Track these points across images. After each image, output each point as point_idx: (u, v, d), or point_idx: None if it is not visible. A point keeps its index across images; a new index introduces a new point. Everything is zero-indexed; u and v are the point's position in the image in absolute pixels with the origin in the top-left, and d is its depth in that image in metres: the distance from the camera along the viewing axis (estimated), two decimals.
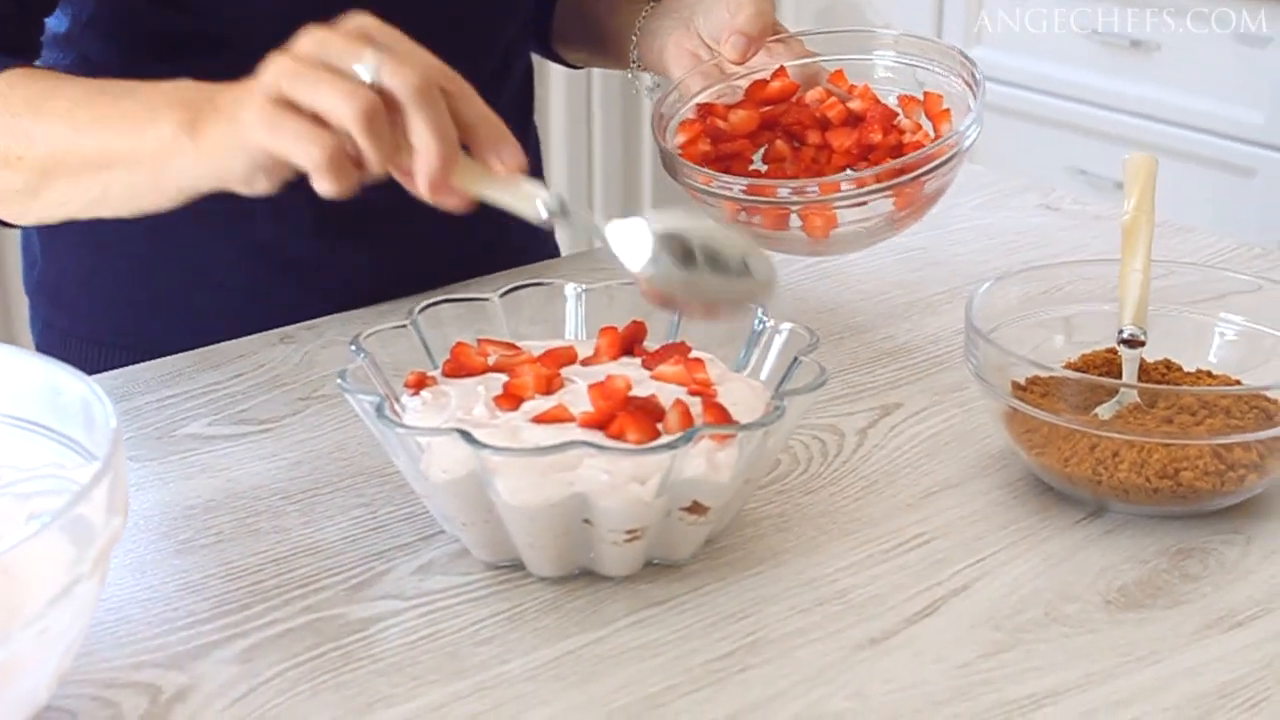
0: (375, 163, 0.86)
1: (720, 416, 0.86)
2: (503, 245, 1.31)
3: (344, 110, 0.84)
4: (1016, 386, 0.97)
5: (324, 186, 0.87)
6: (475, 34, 1.26)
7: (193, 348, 1.17)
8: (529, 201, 0.88)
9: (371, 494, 0.96)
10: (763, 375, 0.94)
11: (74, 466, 0.78)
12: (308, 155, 0.85)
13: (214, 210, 1.18)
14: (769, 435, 0.86)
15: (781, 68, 1.17)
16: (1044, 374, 0.97)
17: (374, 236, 1.25)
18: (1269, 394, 0.95)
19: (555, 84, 2.95)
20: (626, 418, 0.85)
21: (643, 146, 3.11)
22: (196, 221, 1.20)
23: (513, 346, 0.94)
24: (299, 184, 1.17)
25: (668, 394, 0.88)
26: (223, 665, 0.81)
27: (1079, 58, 2.65)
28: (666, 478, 0.83)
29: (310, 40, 0.87)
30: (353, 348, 0.92)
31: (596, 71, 2.86)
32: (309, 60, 0.86)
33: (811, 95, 1.17)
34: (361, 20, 0.88)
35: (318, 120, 0.85)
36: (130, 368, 1.13)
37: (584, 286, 1.00)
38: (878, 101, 1.16)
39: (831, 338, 1.15)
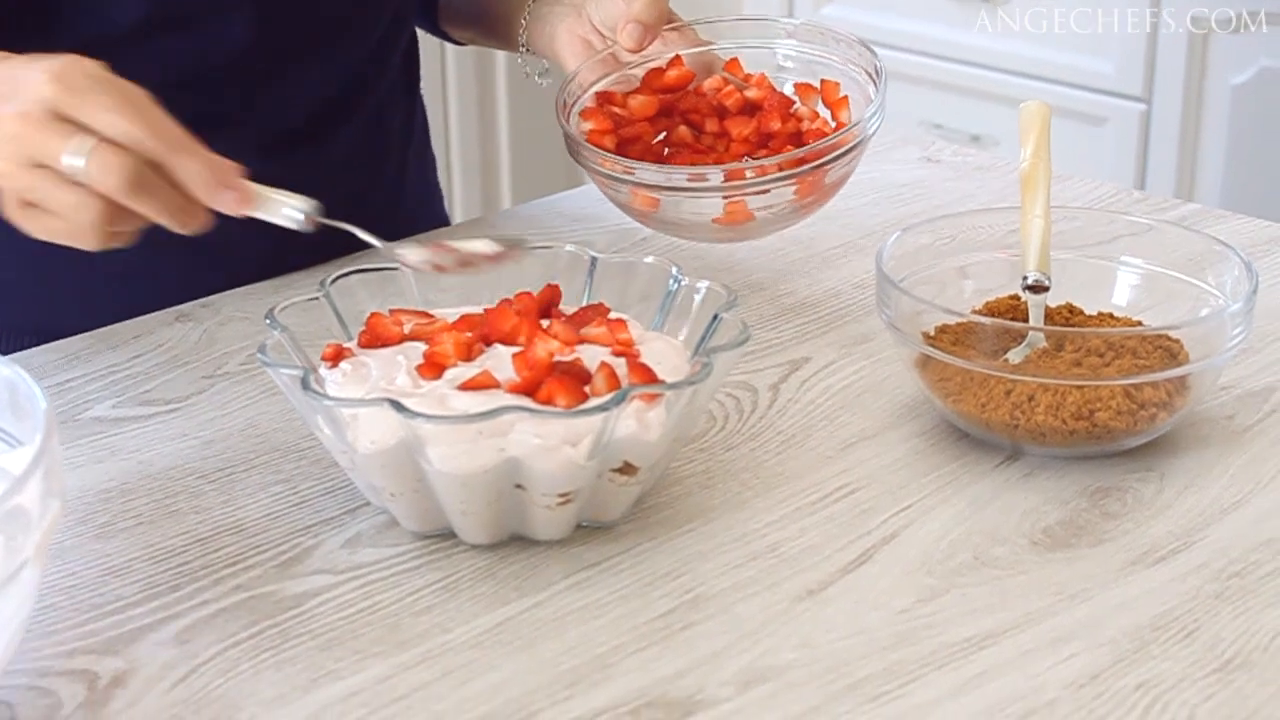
0: (128, 241, 0.95)
1: (647, 376, 0.86)
2: (392, 211, 1.30)
3: (76, 220, 0.91)
4: (927, 336, 0.98)
5: (91, 248, 0.94)
6: (360, 8, 1.25)
7: (81, 328, 1.14)
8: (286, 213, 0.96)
9: (289, 470, 0.95)
10: (681, 335, 0.94)
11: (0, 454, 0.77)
12: (87, 245, 0.93)
13: None
14: (697, 393, 0.86)
15: (677, 56, 1.18)
16: (954, 321, 0.98)
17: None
18: (1172, 334, 0.97)
19: (450, 57, 2.93)
20: (554, 382, 0.84)
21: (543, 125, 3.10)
22: None
23: (427, 314, 0.94)
24: None
25: (591, 356, 0.88)
26: (159, 648, 0.80)
27: (930, 12, 2.68)
28: (599, 439, 0.83)
29: (8, 134, 0.89)
30: (268, 321, 0.90)
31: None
32: (23, 163, 0.90)
33: (708, 84, 1.17)
34: (51, 92, 0.89)
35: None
36: (25, 351, 1.10)
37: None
38: (774, 90, 1.17)
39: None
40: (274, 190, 0.96)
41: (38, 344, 1.13)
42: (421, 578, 0.85)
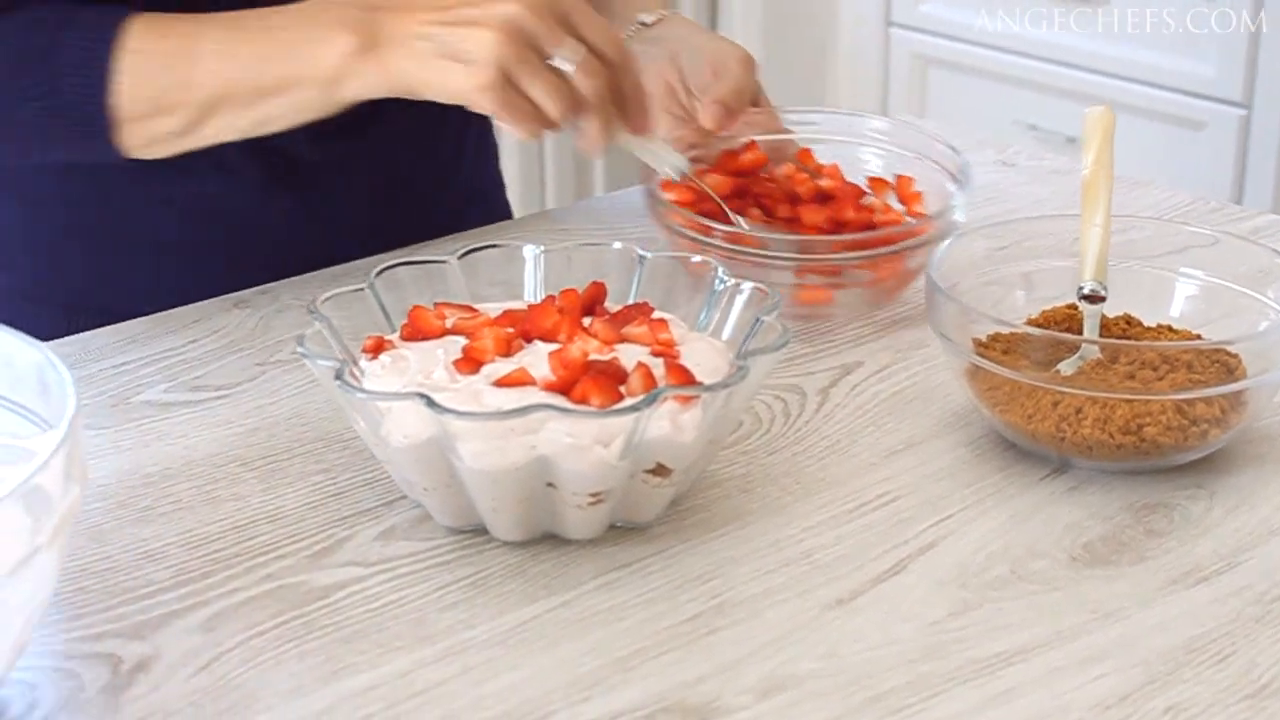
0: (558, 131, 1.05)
1: (683, 378, 0.85)
2: (443, 195, 1.31)
3: (552, 108, 1.02)
4: (978, 343, 0.96)
5: (527, 137, 1.06)
6: None
7: (133, 307, 1.15)
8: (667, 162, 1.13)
9: (331, 460, 0.95)
10: (724, 335, 0.94)
11: (29, 435, 0.77)
12: (523, 131, 1.03)
13: (151, 169, 1.16)
14: (733, 396, 0.85)
15: (753, 141, 1.18)
16: (1006, 330, 0.96)
17: (319, 195, 1.24)
18: (1230, 348, 0.95)
19: None
20: (589, 381, 0.84)
21: None
22: (133, 180, 1.19)
23: (470, 309, 0.93)
24: (243, 145, 1.16)
25: (630, 356, 0.87)
26: (185, 635, 0.80)
27: (1027, 11, 2.64)
28: (630, 440, 0.82)
29: (526, 19, 1.00)
30: (310, 312, 0.90)
31: None
32: (526, 42, 1.00)
33: (781, 171, 1.18)
34: None
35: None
36: (83, 334, 1.11)
37: (542, 248, 0.99)
38: (846, 181, 1.17)
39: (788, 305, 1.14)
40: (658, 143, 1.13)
41: (98, 323, 1.15)
42: (451, 573, 0.85)
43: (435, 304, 0.94)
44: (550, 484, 0.84)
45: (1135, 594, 0.83)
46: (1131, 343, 0.97)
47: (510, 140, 2.98)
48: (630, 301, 0.96)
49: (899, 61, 2.83)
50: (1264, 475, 0.93)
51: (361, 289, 0.94)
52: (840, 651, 0.78)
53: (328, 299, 0.92)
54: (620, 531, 0.88)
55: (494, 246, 0.99)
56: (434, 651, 0.79)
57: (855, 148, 1.23)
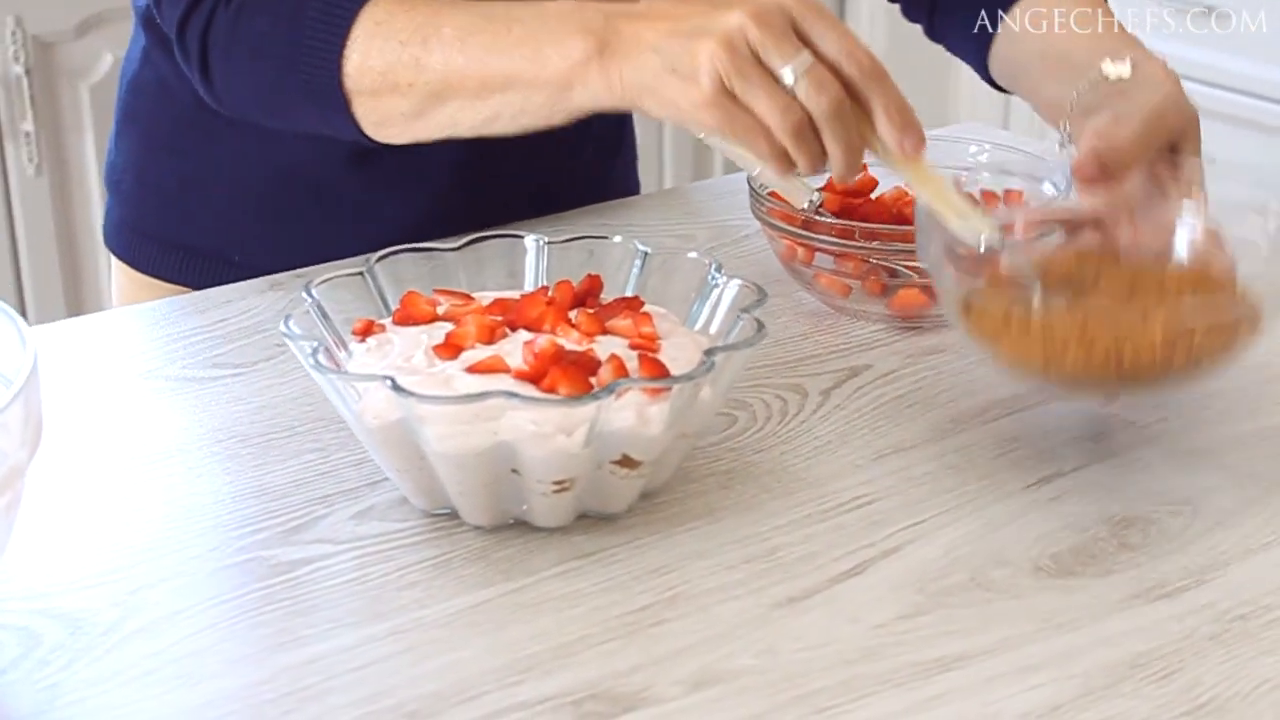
0: (804, 166, 0.95)
1: (655, 371, 0.86)
2: (552, 202, 1.32)
3: (778, 125, 0.92)
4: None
5: (769, 171, 0.96)
6: None
7: (222, 253, 1.22)
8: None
9: (327, 439, 0.97)
10: (712, 330, 0.94)
11: None
12: (755, 150, 0.94)
13: (261, 129, 1.20)
14: (699, 390, 0.86)
15: (863, 164, 1.15)
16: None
17: (406, 179, 1.27)
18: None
19: None
20: (558, 371, 0.85)
21: None
22: (239, 138, 1.23)
23: (466, 296, 0.95)
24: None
25: (610, 348, 0.88)
26: (150, 601, 0.82)
27: (1156, 26, 2.60)
28: (592, 429, 0.83)
29: (749, 27, 0.92)
30: (303, 292, 0.93)
31: None
32: (749, 55, 0.93)
33: (889, 193, 1.17)
34: (791, 2, 0.94)
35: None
36: (118, 310, 1.15)
37: (545, 239, 1.00)
38: None
39: (810, 299, 1.14)
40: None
41: (183, 259, 1.24)
42: (416, 554, 0.86)
43: (434, 290, 0.96)
44: (515, 470, 0.85)
45: (1092, 606, 0.82)
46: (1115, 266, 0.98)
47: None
48: (628, 294, 0.97)
49: None
50: (1252, 495, 0.91)
51: (359, 273, 0.96)
52: (779, 649, 0.78)
53: (324, 281, 0.94)
54: (591, 521, 0.89)
55: (498, 237, 1.00)
56: (383, 629, 0.80)
57: (961, 172, 1.20)
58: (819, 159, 0.94)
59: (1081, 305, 0.93)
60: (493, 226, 1.21)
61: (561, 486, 0.85)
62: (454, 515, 0.89)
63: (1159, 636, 0.79)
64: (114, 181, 1.35)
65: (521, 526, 0.88)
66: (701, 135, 1.07)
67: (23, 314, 2.55)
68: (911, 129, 0.95)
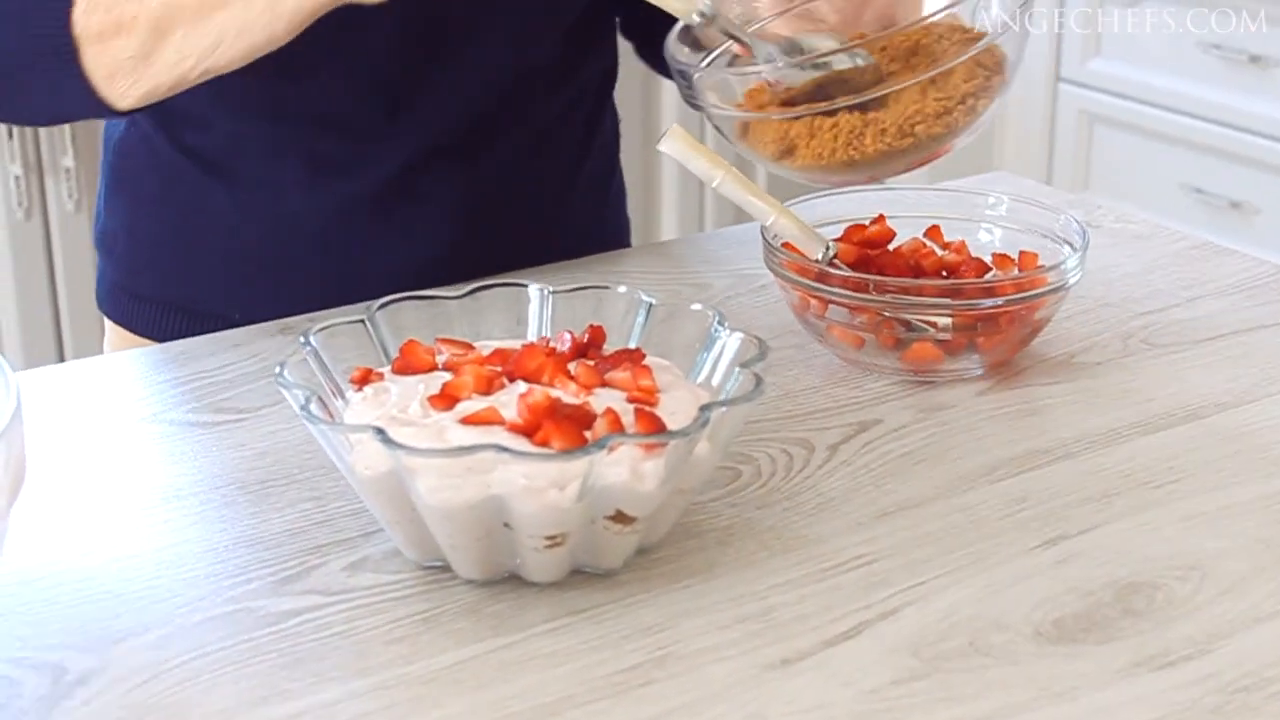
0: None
1: (650, 426, 0.85)
2: (552, 229, 1.32)
3: None
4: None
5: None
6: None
7: (223, 313, 1.21)
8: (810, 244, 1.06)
9: (326, 488, 0.96)
10: (714, 383, 0.93)
11: None
12: None
13: (250, 182, 1.20)
14: (694, 446, 0.84)
15: (881, 215, 1.16)
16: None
17: (409, 223, 1.26)
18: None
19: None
20: (552, 425, 0.84)
21: None
22: (228, 191, 1.23)
23: (466, 346, 0.94)
24: (339, 171, 1.19)
25: (607, 401, 0.87)
26: (134, 651, 0.81)
27: (1197, 72, 2.58)
28: (585, 484, 0.82)
29: None
30: (301, 340, 0.92)
31: None
32: None
33: (906, 245, 1.16)
34: None
35: None
36: (125, 353, 1.15)
37: (550, 288, 0.99)
38: (971, 255, 1.15)
39: (823, 352, 1.13)
40: None
41: (180, 320, 1.19)
42: (406, 607, 0.85)
43: (435, 339, 0.95)
44: (507, 524, 0.84)
45: (1091, 675, 0.80)
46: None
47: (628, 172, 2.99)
48: (631, 346, 0.96)
49: (1066, 118, 2.79)
50: (1262, 561, 0.89)
51: (360, 321, 0.95)
52: (768, 713, 0.77)
53: (324, 329, 0.93)
54: (585, 576, 0.87)
55: (502, 285, 0.99)
56: (366, 684, 0.79)
57: (977, 225, 1.20)
58: None
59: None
60: (495, 273, 1.20)
61: (554, 542, 0.84)
62: (447, 568, 0.88)
63: (1159, 708, 0.77)
64: (106, 245, 1.34)
65: (515, 581, 0.87)
66: (715, 185, 1.06)
67: (60, 354, 2.57)
68: None
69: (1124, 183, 2.69)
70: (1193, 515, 0.94)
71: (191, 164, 1.25)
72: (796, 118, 1.05)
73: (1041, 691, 0.78)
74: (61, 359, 2.61)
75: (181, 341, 1.16)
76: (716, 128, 1.12)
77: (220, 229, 1.27)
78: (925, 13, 1.11)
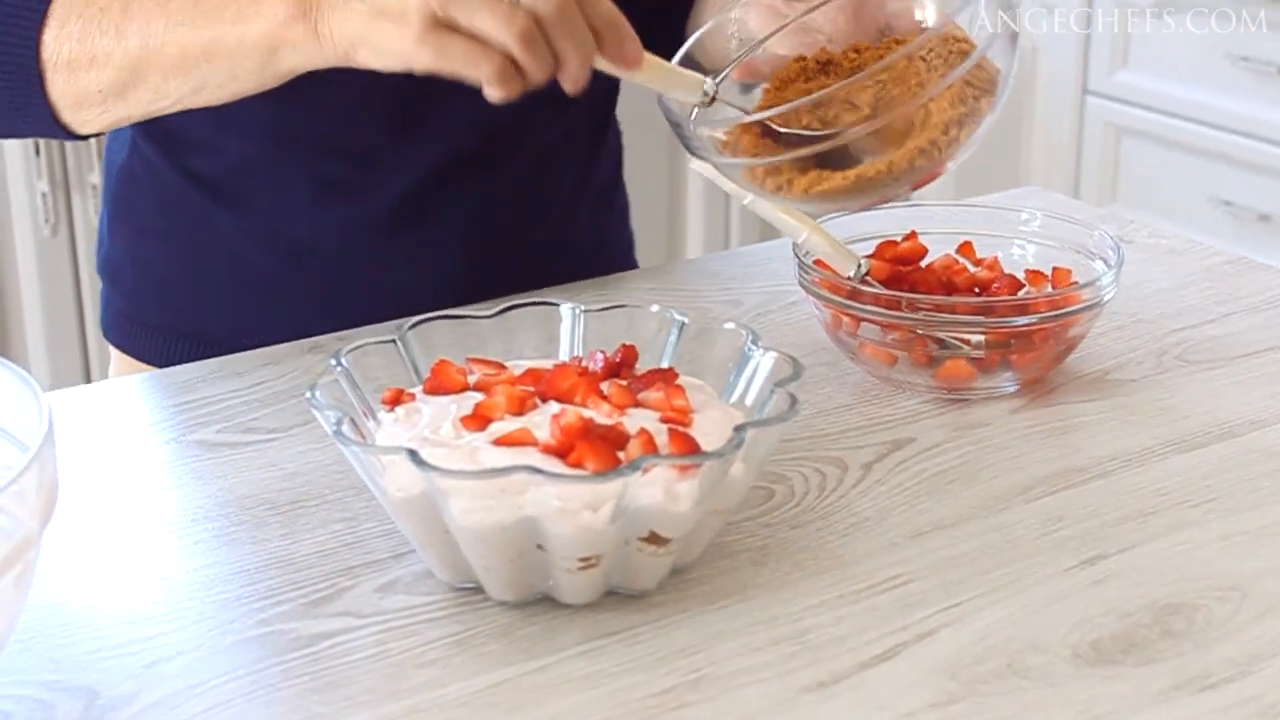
0: (535, 75, 0.94)
1: (685, 447, 0.84)
2: (555, 252, 1.31)
3: (503, 36, 0.92)
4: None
5: (494, 95, 0.95)
6: None
7: (233, 339, 1.19)
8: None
9: (357, 508, 0.96)
10: (748, 403, 0.92)
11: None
12: (478, 74, 0.94)
13: (256, 207, 1.19)
14: (729, 466, 0.84)
15: (913, 231, 1.15)
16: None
17: (418, 243, 1.26)
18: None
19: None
20: (585, 446, 0.83)
21: None
22: (233, 216, 1.22)
23: (498, 366, 0.93)
24: (340, 189, 1.19)
25: (640, 421, 0.86)
26: (166, 674, 0.81)
27: (1225, 84, 2.57)
28: (619, 506, 0.81)
29: None
30: (333, 361, 0.91)
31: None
32: None
33: (939, 262, 1.15)
34: None
35: (477, 38, 0.92)
36: (156, 371, 1.14)
37: (582, 307, 0.98)
38: (1004, 272, 1.14)
39: (856, 370, 1.12)
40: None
41: (197, 350, 1.18)
42: (439, 629, 0.85)
43: (466, 359, 0.94)
44: (540, 546, 0.83)
45: (1132, 697, 0.79)
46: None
47: (653, 190, 2.97)
48: (664, 365, 0.95)
49: (1093, 130, 2.78)
50: None
51: (392, 341, 0.95)
52: None
53: (355, 349, 0.93)
54: (618, 597, 0.87)
55: (533, 304, 0.99)
56: (399, 708, 0.79)
57: (1010, 241, 1.19)
58: (549, 66, 0.94)
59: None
60: (504, 291, 1.20)
61: (588, 563, 0.84)
62: (479, 589, 0.87)
63: None
64: (110, 273, 1.33)
65: (548, 602, 0.86)
66: (746, 202, 1.06)
67: (86, 372, 2.57)
68: (629, 39, 0.96)
69: (1152, 195, 2.68)
70: (1231, 535, 0.93)
71: (196, 189, 1.24)
72: (792, 159, 1.02)
73: (1080, 715, 0.78)
74: (88, 378, 2.61)
75: (213, 360, 1.15)
76: (722, 172, 1.10)
77: (227, 255, 1.26)
78: (918, 18, 1.10)
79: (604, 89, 1.35)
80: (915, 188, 1.03)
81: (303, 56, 0.98)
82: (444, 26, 0.92)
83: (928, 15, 1.10)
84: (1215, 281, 1.28)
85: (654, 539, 0.84)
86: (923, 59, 0.99)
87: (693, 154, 1.06)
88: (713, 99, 1.02)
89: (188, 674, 0.81)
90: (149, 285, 1.29)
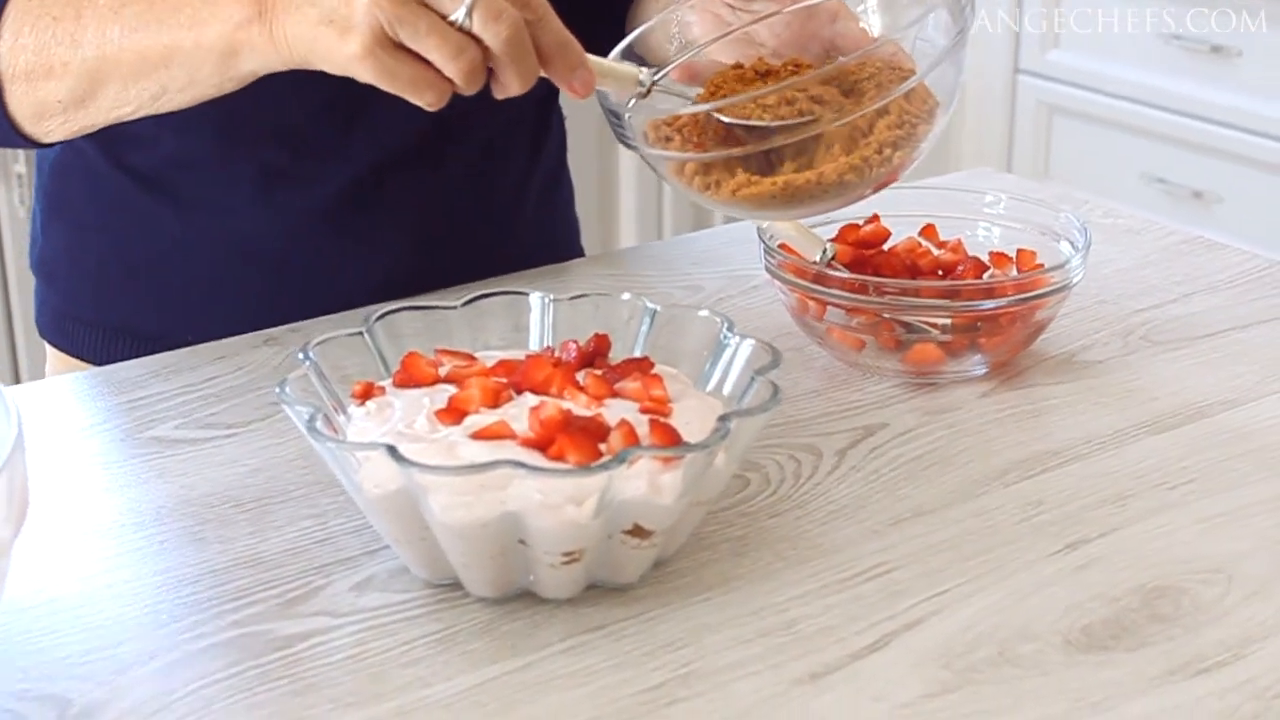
0: (472, 94, 0.93)
1: (667, 438, 0.83)
2: (505, 238, 1.29)
3: (450, 68, 0.89)
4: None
5: (429, 107, 0.92)
6: None
7: (176, 336, 1.16)
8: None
9: (325, 505, 0.94)
10: (725, 391, 0.91)
11: None
12: (420, 100, 0.92)
13: (197, 201, 1.17)
14: (714, 457, 0.82)
15: (875, 214, 1.14)
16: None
17: (366, 235, 1.23)
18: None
19: None
20: (566, 439, 0.81)
21: None
22: (176, 214, 1.20)
23: (469, 357, 0.91)
24: (286, 182, 1.16)
25: (619, 412, 0.85)
26: (140, 680, 0.79)
27: (1158, 62, 2.58)
28: (603, 499, 0.80)
29: None
30: (300, 355, 0.89)
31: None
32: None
33: (902, 245, 1.14)
34: None
35: (422, 62, 0.90)
36: (108, 367, 1.11)
37: (551, 297, 0.97)
38: (967, 255, 1.13)
39: (822, 354, 1.11)
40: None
41: (139, 348, 1.15)
42: (419, 628, 0.83)
43: (435, 351, 0.92)
44: (522, 541, 0.82)
45: (1127, 683, 0.78)
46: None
47: (586, 177, 2.96)
48: (636, 355, 0.94)
49: (1025, 110, 2.78)
50: None
51: (360, 333, 0.93)
52: None
53: (320, 342, 0.91)
54: (600, 591, 0.85)
55: (501, 294, 0.97)
56: (385, 710, 0.77)
57: (974, 223, 1.18)
58: (489, 89, 0.93)
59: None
60: (452, 283, 1.18)
61: (571, 558, 0.82)
62: (457, 586, 0.85)
63: (1199, 715, 0.76)
64: (45, 271, 1.29)
65: (528, 597, 0.85)
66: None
67: (15, 373, 2.51)
68: (580, 69, 0.94)
69: (1085, 174, 2.69)
70: (1210, 517, 0.92)
71: (134, 183, 1.21)
72: (726, 157, 1.01)
73: (1077, 703, 0.77)
74: (17, 378, 2.55)
75: (161, 356, 1.13)
76: (650, 165, 1.08)
77: (167, 250, 1.23)
78: (866, 42, 1.08)
79: None
80: (838, 206, 1.01)
81: (261, 59, 0.95)
82: (391, 45, 0.90)
83: (874, 37, 1.08)
84: (1173, 261, 1.28)
85: (637, 532, 0.83)
86: (868, 78, 0.98)
87: (625, 144, 1.04)
88: (649, 90, 1.00)
89: (162, 678, 0.79)
90: (86, 282, 1.26)
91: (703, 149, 1.00)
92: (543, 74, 0.94)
